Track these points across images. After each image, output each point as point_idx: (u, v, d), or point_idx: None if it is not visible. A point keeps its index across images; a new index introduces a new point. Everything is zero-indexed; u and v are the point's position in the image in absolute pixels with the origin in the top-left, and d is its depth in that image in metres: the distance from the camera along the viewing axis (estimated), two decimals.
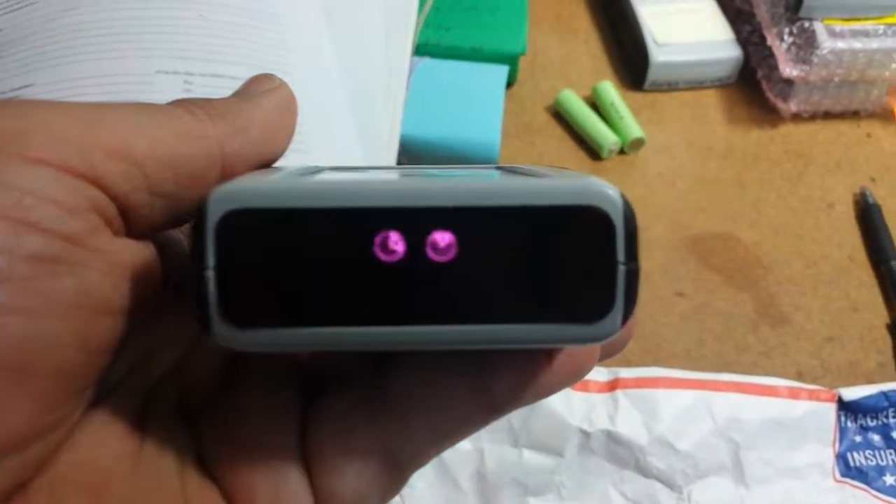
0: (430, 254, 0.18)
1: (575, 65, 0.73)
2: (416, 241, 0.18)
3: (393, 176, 0.19)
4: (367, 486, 0.22)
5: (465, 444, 0.47)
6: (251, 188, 0.18)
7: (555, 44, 0.74)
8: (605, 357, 0.23)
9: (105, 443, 0.21)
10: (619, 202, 0.18)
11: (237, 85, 0.50)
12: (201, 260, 0.18)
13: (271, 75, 0.24)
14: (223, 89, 0.49)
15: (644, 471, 0.47)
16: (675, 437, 0.48)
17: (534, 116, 0.69)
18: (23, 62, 0.49)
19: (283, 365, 0.24)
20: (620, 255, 0.18)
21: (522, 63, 0.70)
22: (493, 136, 0.60)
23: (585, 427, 0.48)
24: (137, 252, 0.21)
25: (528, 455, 0.47)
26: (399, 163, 0.57)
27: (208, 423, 0.23)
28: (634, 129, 0.66)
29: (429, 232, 0.18)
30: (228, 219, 0.18)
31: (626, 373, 0.50)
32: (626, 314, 0.18)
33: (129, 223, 0.20)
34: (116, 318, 0.20)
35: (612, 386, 0.49)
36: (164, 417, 0.22)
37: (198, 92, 0.49)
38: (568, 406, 0.48)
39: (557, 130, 0.68)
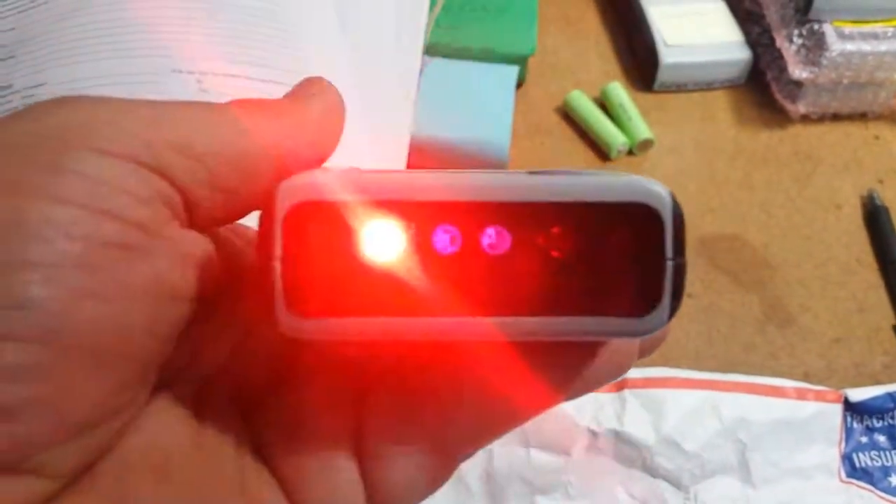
0: (486, 247, 0.19)
1: (584, 65, 0.73)
2: (472, 234, 0.19)
3: (448, 174, 0.20)
4: (417, 475, 0.22)
5: None
6: (317, 182, 0.19)
7: (564, 44, 0.75)
8: (643, 355, 0.24)
9: (167, 427, 0.22)
10: (669, 199, 0.19)
11: (251, 85, 0.51)
12: (268, 250, 0.18)
13: (320, 78, 0.24)
14: (237, 89, 0.50)
15: (651, 470, 0.48)
16: (682, 437, 0.48)
17: (543, 117, 0.69)
18: (36, 61, 0.49)
19: (338, 356, 0.24)
20: (669, 251, 0.19)
21: (532, 64, 0.70)
22: (503, 136, 0.61)
23: (593, 427, 0.48)
24: (200, 244, 0.21)
25: (536, 454, 0.48)
26: (409, 162, 0.58)
27: (263, 414, 0.23)
28: (643, 130, 0.66)
29: (485, 226, 0.19)
30: (296, 210, 0.18)
31: (633, 373, 0.50)
32: (674, 308, 0.19)
33: (192, 217, 0.21)
34: (183, 305, 0.21)
35: (620, 386, 0.49)
36: (219, 406, 0.23)
37: (212, 91, 0.49)
38: (576, 406, 0.48)
39: (567, 131, 0.68)
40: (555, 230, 0.19)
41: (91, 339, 0.18)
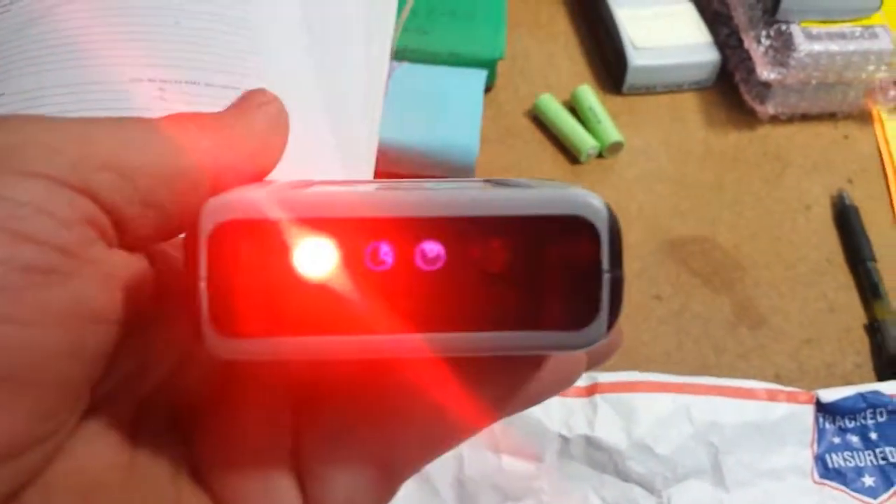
0: (420, 263, 0.18)
1: (554, 69, 0.73)
2: (405, 251, 0.18)
3: (382, 188, 0.19)
4: (359, 495, 0.22)
5: None
6: (242, 200, 0.18)
7: (534, 48, 0.74)
8: (592, 366, 0.24)
9: (98, 451, 0.21)
10: (605, 212, 0.18)
11: (212, 92, 0.50)
12: (194, 271, 0.18)
13: (264, 90, 0.24)
14: (198, 96, 0.49)
15: (623, 475, 0.48)
16: (654, 441, 0.48)
17: (513, 121, 0.69)
18: None
19: (274, 375, 0.24)
20: (605, 264, 0.18)
21: (501, 67, 0.70)
22: (472, 140, 0.60)
23: (564, 432, 0.48)
24: (130, 263, 0.21)
25: (508, 461, 0.47)
26: (377, 167, 0.57)
27: (200, 433, 0.23)
28: (613, 133, 0.66)
29: (418, 242, 0.18)
30: (220, 230, 0.18)
31: (604, 377, 0.50)
32: (612, 321, 0.19)
33: (122, 235, 0.20)
34: (110, 327, 0.20)
35: (591, 391, 0.49)
36: (156, 428, 0.23)
37: (172, 99, 0.48)
38: (547, 411, 0.48)
39: (536, 135, 0.68)
40: (490, 244, 0.19)
41: (10, 366, 0.18)
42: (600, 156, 0.66)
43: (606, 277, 0.18)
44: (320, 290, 0.18)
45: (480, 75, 0.65)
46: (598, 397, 0.49)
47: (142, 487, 0.21)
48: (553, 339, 0.19)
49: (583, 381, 0.50)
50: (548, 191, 0.19)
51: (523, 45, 0.74)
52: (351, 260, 0.18)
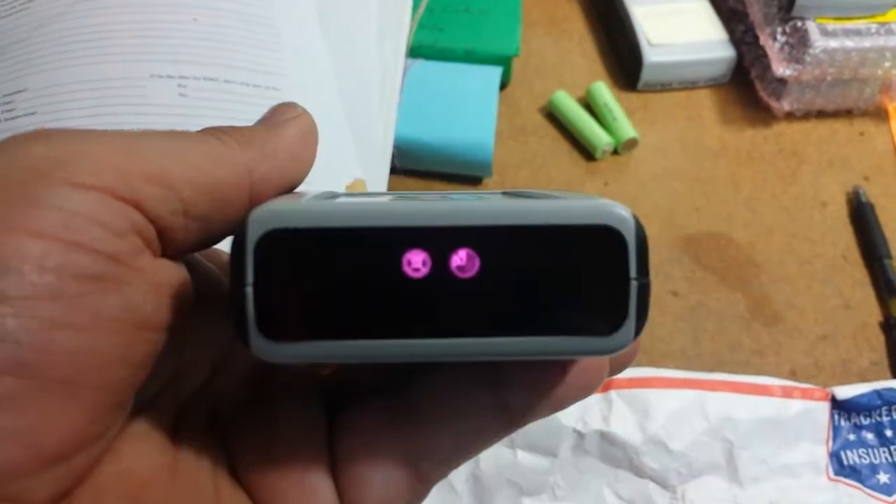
0: (455, 270, 0.19)
1: (569, 66, 0.73)
2: (441, 258, 0.19)
3: (415, 199, 0.20)
4: (393, 495, 0.23)
5: None
6: (288, 209, 0.19)
7: (548, 45, 0.74)
8: (614, 372, 0.24)
9: (143, 454, 0.22)
10: (632, 222, 0.19)
11: (231, 88, 0.51)
12: (241, 277, 0.19)
13: (294, 104, 0.25)
14: (217, 93, 0.50)
15: (638, 471, 0.48)
16: (669, 436, 0.48)
17: (528, 118, 0.69)
18: (15, 67, 0.49)
19: (311, 378, 0.25)
20: (633, 272, 0.19)
21: (516, 64, 0.70)
22: (487, 137, 0.61)
23: (579, 428, 0.48)
24: (173, 272, 0.22)
25: (523, 456, 0.47)
26: (392, 163, 0.58)
27: (239, 435, 0.24)
28: (628, 130, 0.66)
29: (453, 250, 0.19)
30: (267, 238, 0.19)
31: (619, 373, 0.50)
32: (639, 327, 0.19)
33: (166, 244, 0.21)
34: (156, 333, 0.21)
35: (606, 386, 0.49)
36: (196, 431, 0.23)
37: (192, 96, 0.49)
38: None
39: (551, 131, 0.68)
40: (522, 252, 0.19)
41: (64, 369, 0.18)
42: (615, 152, 0.67)
43: (634, 285, 0.19)
44: (360, 295, 0.19)
45: (496, 72, 0.65)
46: (612, 393, 0.49)
47: (185, 488, 0.22)
48: (583, 345, 0.20)
49: None
50: (577, 201, 0.19)
51: (538, 42, 0.74)
52: (388, 266, 0.19)
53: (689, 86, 0.72)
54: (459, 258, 0.19)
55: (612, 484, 0.48)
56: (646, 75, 0.70)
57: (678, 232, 0.62)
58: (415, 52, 0.66)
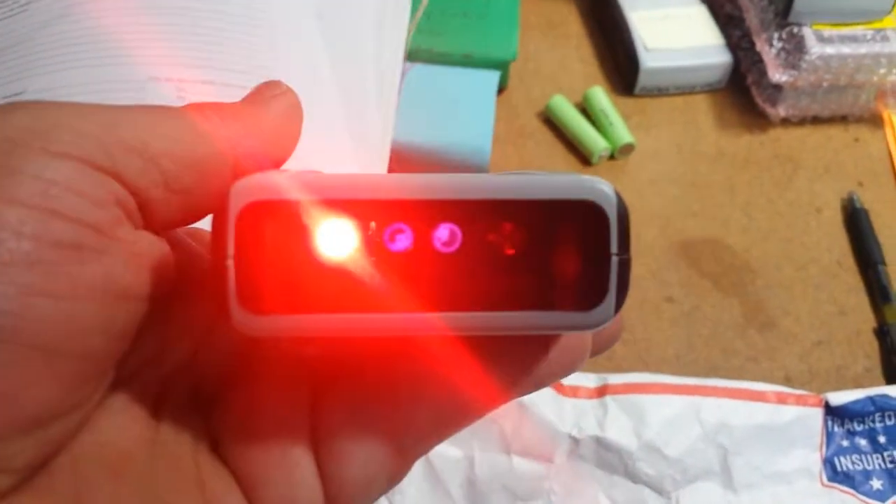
0: (437, 244, 0.19)
1: (566, 70, 0.73)
2: (423, 233, 0.19)
3: (401, 175, 0.20)
4: (375, 471, 0.23)
5: (455, 452, 0.47)
6: (269, 182, 0.19)
7: (546, 49, 0.75)
8: (596, 353, 0.25)
9: (124, 426, 0.22)
10: (613, 197, 0.19)
11: (229, 91, 0.51)
12: (222, 250, 0.19)
13: (278, 81, 0.25)
14: (215, 96, 0.50)
15: (633, 476, 0.48)
16: (664, 442, 0.48)
17: (525, 122, 0.69)
18: (14, 69, 0.49)
19: (293, 353, 0.25)
20: (614, 247, 0.19)
21: (514, 69, 0.70)
22: (484, 141, 0.61)
23: (575, 433, 0.48)
24: (155, 244, 0.22)
25: (518, 461, 0.48)
26: (390, 167, 0.58)
27: (221, 411, 0.24)
28: (624, 135, 0.66)
29: (436, 224, 0.19)
30: (248, 210, 0.19)
31: (614, 379, 0.50)
32: (619, 302, 0.20)
33: (148, 218, 0.21)
34: (137, 304, 0.21)
35: (602, 392, 0.50)
36: (178, 406, 0.23)
37: (191, 98, 0.49)
38: (558, 412, 0.48)
39: (548, 136, 0.68)
40: (504, 227, 0.19)
41: (43, 336, 0.18)
42: (612, 157, 0.67)
43: (615, 260, 0.19)
44: (342, 270, 0.19)
45: (493, 77, 0.65)
46: (608, 398, 0.49)
47: (165, 461, 0.22)
48: (563, 320, 0.20)
49: (593, 383, 0.50)
50: (560, 177, 0.20)
51: (536, 47, 0.75)
52: (371, 241, 0.19)
53: (686, 91, 0.72)
54: (442, 232, 0.19)
55: (608, 490, 0.48)
56: (642, 80, 0.70)
57: (674, 237, 0.62)
58: (413, 56, 0.66)
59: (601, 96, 0.68)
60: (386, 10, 0.60)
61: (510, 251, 0.20)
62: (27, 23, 0.51)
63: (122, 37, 0.50)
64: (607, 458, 0.48)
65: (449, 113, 0.63)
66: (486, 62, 0.67)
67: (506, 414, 0.48)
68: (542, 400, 0.49)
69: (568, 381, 0.50)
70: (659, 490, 0.48)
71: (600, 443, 0.48)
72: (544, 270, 0.20)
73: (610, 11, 0.74)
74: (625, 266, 0.19)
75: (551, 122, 0.69)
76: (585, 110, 0.69)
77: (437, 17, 0.69)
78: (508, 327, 0.20)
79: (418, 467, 0.47)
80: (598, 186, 0.19)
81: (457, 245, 0.19)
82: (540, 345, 0.23)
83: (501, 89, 0.70)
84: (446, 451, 0.47)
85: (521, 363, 0.23)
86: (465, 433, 0.47)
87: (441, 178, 0.19)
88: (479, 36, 0.68)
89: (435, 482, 0.47)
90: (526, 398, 0.48)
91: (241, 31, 0.52)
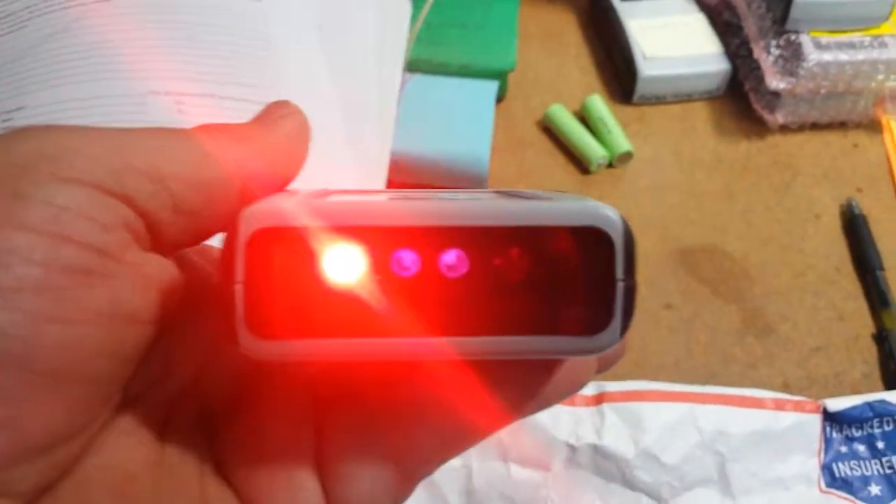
0: (443, 270, 0.19)
1: (564, 79, 0.74)
2: (430, 258, 0.19)
3: (406, 198, 0.20)
4: (379, 494, 0.23)
5: (453, 461, 0.47)
6: (279, 208, 0.19)
7: (544, 59, 0.75)
8: (600, 371, 0.25)
9: (129, 448, 0.22)
10: (620, 224, 0.19)
11: (229, 105, 0.51)
12: (231, 274, 0.19)
13: (287, 102, 0.25)
14: (215, 109, 0.50)
15: (630, 484, 0.48)
16: (662, 450, 0.48)
17: (523, 131, 0.69)
18: (15, 85, 0.50)
19: (298, 376, 0.25)
20: (619, 273, 0.19)
21: (512, 78, 0.70)
22: (483, 151, 0.61)
23: (572, 441, 0.48)
24: (163, 266, 0.22)
25: (516, 470, 0.48)
26: (389, 177, 0.58)
27: (226, 433, 0.24)
28: (623, 143, 0.67)
29: (442, 249, 0.19)
30: (258, 236, 0.19)
31: (612, 386, 0.50)
32: (624, 327, 0.20)
33: (156, 239, 0.21)
34: (144, 327, 0.21)
35: (599, 400, 0.50)
36: (183, 427, 0.24)
37: (190, 112, 0.49)
38: (555, 420, 0.49)
39: (547, 145, 0.68)
40: (511, 253, 0.20)
41: (51, 361, 0.18)
42: (610, 165, 0.67)
43: (620, 286, 0.19)
44: (349, 295, 0.19)
45: (492, 86, 0.65)
46: (605, 406, 0.49)
47: (171, 484, 0.22)
48: (569, 344, 0.20)
49: (590, 390, 0.50)
50: (566, 203, 0.20)
51: (534, 56, 0.75)
52: (378, 266, 0.19)
53: (684, 99, 0.72)
54: (449, 258, 0.19)
55: (605, 497, 0.48)
56: (641, 88, 0.70)
57: (672, 244, 0.62)
58: (412, 66, 0.66)
59: (599, 105, 0.69)
60: (385, 21, 0.61)
61: (517, 276, 0.20)
62: (27, 38, 0.52)
63: (121, 51, 0.50)
64: (604, 465, 0.48)
65: (448, 123, 0.63)
66: (485, 72, 0.67)
67: None
68: None
69: None
70: (656, 497, 0.48)
71: (597, 450, 0.48)
72: (550, 295, 0.20)
73: (608, 20, 0.75)
74: (630, 292, 0.20)
75: (550, 130, 0.69)
76: (584, 119, 0.69)
77: (437, 27, 0.69)
78: (514, 352, 0.20)
79: None
80: (604, 212, 0.19)
81: (464, 270, 0.19)
82: (545, 368, 0.23)
83: (500, 99, 0.70)
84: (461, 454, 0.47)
85: (525, 386, 0.23)
86: None
87: (447, 204, 0.20)
88: (478, 46, 0.68)
89: (433, 491, 0.47)
90: None
91: (240, 44, 0.52)
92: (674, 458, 0.48)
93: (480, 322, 0.20)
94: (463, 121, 0.63)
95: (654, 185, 0.66)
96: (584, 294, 0.20)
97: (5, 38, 0.52)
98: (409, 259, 0.19)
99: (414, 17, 0.67)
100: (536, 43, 0.76)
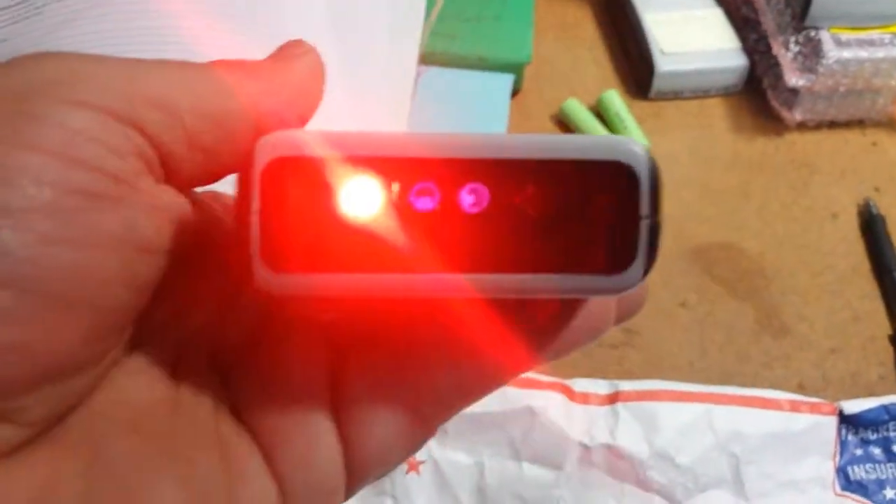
0: (464, 204, 0.19)
1: (580, 73, 0.73)
2: (450, 192, 0.19)
3: (428, 133, 0.20)
4: (394, 437, 0.23)
5: (465, 459, 0.47)
6: (296, 138, 0.19)
7: (560, 52, 0.74)
8: (619, 321, 0.24)
9: (143, 385, 0.22)
10: (645, 158, 0.19)
11: None
12: (246, 204, 0.19)
13: (301, 41, 0.24)
14: None
15: (644, 485, 0.48)
16: (676, 450, 0.48)
17: (539, 125, 0.69)
18: None
19: (314, 318, 0.24)
20: (644, 210, 0.19)
21: (528, 72, 0.70)
22: None
23: (586, 441, 0.48)
24: (177, 200, 0.21)
25: (529, 469, 0.47)
26: None
27: (241, 376, 0.24)
28: (639, 138, 0.66)
29: (463, 183, 0.19)
30: (274, 165, 0.19)
31: (626, 386, 0.50)
32: (648, 267, 0.19)
33: (169, 174, 0.21)
34: (157, 257, 0.21)
35: (613, 399, 0.49)
36: (197, 368, 0.23)
37: None
38: (568, 419, 0.48)
39: None
40: (532, 188, 0.19)
41: (61, 285, 0.18)
42: None
43: (644, 224, 0.19)
44: (367, 228, 0.19)
45: (507, 80, 0.65)
46: (619, 406, 0.49)
47: (185, 422, 0.22)
48: (590, 283, 0.19)
49: (604, 390, 0.50)
50: (590, 138, 0.19)
51: (550, 50, 0.74)
52: (397, 199, 0.19)
53: (701, 94, 0.72)
54: (469, 192, 0.19)
55: (619, 498, 0.48)
56: (658, 84, 0.70)
57: (688, 242, 0.62)
58: (427, 59, 0.66)
59: (616, 99, 0.68)
60: (400, 15, 0.60)
61: (537, 212, 0.19)
62: (41, 26, 0.51)
63: (134, 41, 0.50)
64: (618, 465, 0.48)
65: (463, 116, 0.63)
66: (501, 65, 0.67)
67: (516, 420, 0.48)
68: (553, 406, 0.48)
69: (579, 387, 0.50)
70: (670, 499, 0.48)
71: (611, 450, 0.48)
72: (572, 233, 0.19)
73: (625, 14, 0.74)
74: (655, 230, 0.19)
75: (565, 124, 0.68)
76: (600, 113, 0.69)
77: (452, 20, 0.68)
78: (534, 290, 0.19)
79: (428, 474, 0.47)
80: (630, 147, 0.19)
81: (483, 205, 0.19)
82: (566, 309, 0.23)
83: (515, 92, 0.70)
84: (456, 458, 0.47)
85: (545, 328, 0.23)
86: (474, 440, 0.47)
87: (469, 136, 0.19)
88: (494, 39, 0.68)
89: (445, 489, 0.47)
90: (536, 404, 0.48)
91: (253, 35, 0.52)
92: (688, 459, 0.48)
93: (500, 259, 0.19)
94: (478, 114, 0.63)
95: (670, 182, 0.65)
96: (606, 231, 0.19)
97: (20, 24, 0.52)
98: (427, 193, 0.19)
99: (429, 10, 0.66)
100: (552, 36, 0.75)
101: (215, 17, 0.52)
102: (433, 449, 0.47)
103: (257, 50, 0.50)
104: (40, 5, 0.53)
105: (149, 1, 0.51)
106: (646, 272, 0.19)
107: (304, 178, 0.19)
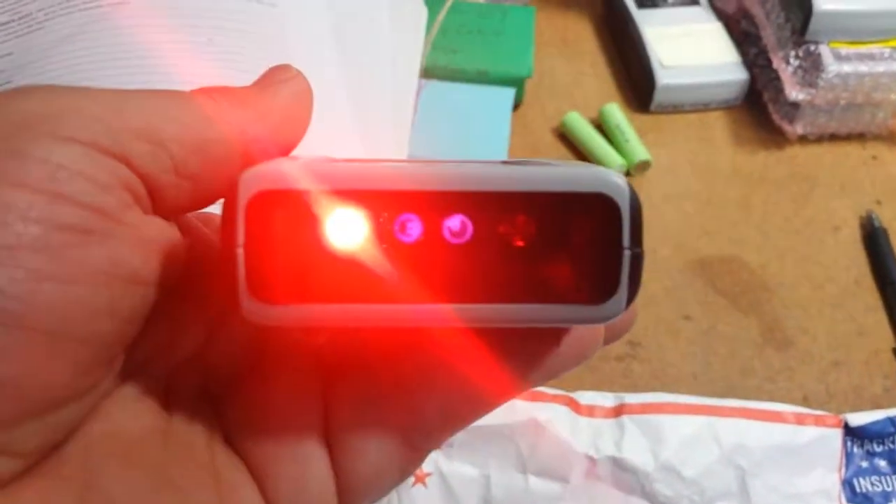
0: (447, 235, 0.19)
1: (581, 87, 0.73)
2: (434, 224, 0.19)
3: (411, 164, 0.20)
4: (385, 464, 0.23)
5: (471, 471, 0.47)
6: (280, 171, 0.19)
7: (561, 66, 0.75)
8: (608, 342, 0.25)
9: (135, 415, 0.22)
10: (627, 190, 0.19)
11: None
12: (232, 238, 0.19)
13: (288, 65, 0.25)
14: None
15: (650, 497, 0.47)
16: (681, 463, 0.48)
17: (540, 138, 0.69)
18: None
19: (304, 346, 0.25)
20: (626, 241, 0.19)
21: (529, 85, 0.70)
22: (499, 158, 0.61)
23: (592, 453, 0.48)
24: (164, 229, 0.22)
25: (534, 481, 0.47)
26: None
27: (233, 403, 0.24)
28: (640, 152, 0.66)
29: (446, 215, 0.19)
30: (259, 199, 0.19)
31: (631, 398, 0.50)
32: (630, 296, 0.19)
33: (157, 203, 0.21)
34: (145, 289, 0.21)
35: (618, 412, 0.49)
36: (188, 396, 0.24)
37: None
38: (574, 432, 0.48)
39: (563, 153, 0.68)
40: (516, 219, 0.19)
41: (50, 320, 0.18)
42: (627, 174, 0.67)
43: (627, 254, 0.19)
44: (352, 260, 0.19)
45: (508, 93, 0.65)
46: (625, 418, 0.49)
47: (178, 450, 0.22)
48: (574, 313, 0.20)
49: (610, 402, 0.50)
50: (573, 169, 0.19)
51: (551, 63, 0.75)
52: (381, 231, 0.19)
53: (702, 108, 0.72)
54: (452, 223, 0.19)
55: None
56: (658, 97, 0.70)
57: (690, 255, 0.62)
58: (428, 73, 0.66)
59: (617, 113, 0.68)
60: (401, 28, 0.61)
61: (521, 243, 0.19)
62: (45, 39, 0.51)
63: (138, 55, 0.50)
64: (624, 478, 0.48)
65: (464, 130, 0.63)
66: (502, 79, 0.67)
67: (522, 433, 0.47)
68: (559, 419, 0.48)
69: (585, 400, 0.50)
70: None
71: (617, 463, 0.48)
72: (556, 263, 0.19)
73: (625, 28, 0.74)
74: (637, 260, 0.19)
75: (566, 138, 0.69)
76: (601, 127, 0.69)
77: (453, 34, 0.69)
78: (519, 320, 0.20)
79: (434, 486, 0.47)
80: (611, 179, 0.19)
81: (468, 236, 0.19)
82: (550, 337, 0.23)
83: (517, 106, 0.70)
84: (462, 470, 0.47)
85: (531, 355, 0.23)
86: (481, 452, 0.47)
87: (452, 168, 0.19)
88: (495, 53, 0.68)
89: (451, 501, 0.46)
90: (542, 417, 0.48)
91: (255, 49, 0.52)
92: (694, 472, 0.48)
93: (484, 289, 0.19)
94: (479, 128, 0.63)
95: (672, 195, 0.66)
96: (589, 262, 0.19)
97: (21, 39, 0.52)
98: (412, 224, 0.19)
99: (430, 24, 0.67)
100: (553, 50, 0.76)
101: (217, 27, 0.52)
102: (440, 461, 0.47)
103: (261, 59, 0.50)
104: (42, 20, 0.53)
105: (150, 18, 0.52)
106: (629, 301, 0.19)
107: (288, 211, 0.19)
